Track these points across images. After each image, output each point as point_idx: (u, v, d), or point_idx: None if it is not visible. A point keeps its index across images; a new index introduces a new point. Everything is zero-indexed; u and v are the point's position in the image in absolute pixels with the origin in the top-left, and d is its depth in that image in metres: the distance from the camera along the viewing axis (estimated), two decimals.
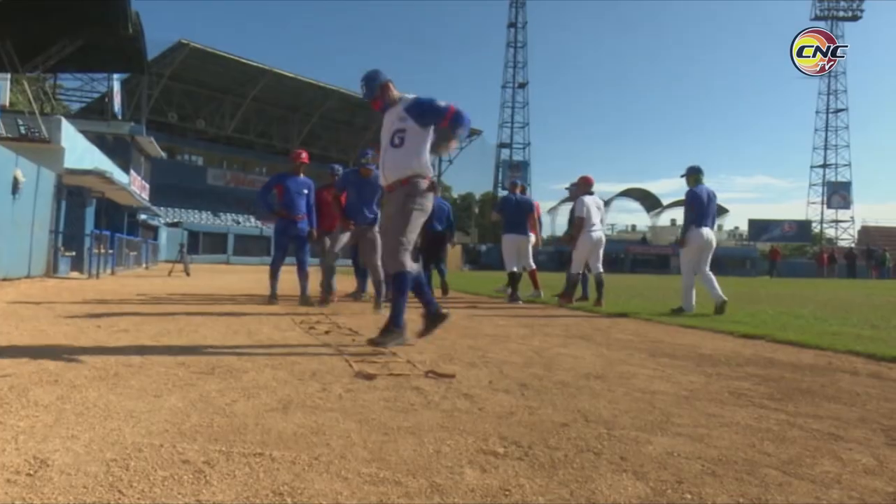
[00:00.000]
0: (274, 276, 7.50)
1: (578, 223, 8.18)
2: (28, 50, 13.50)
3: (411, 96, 4.05)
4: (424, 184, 3.96)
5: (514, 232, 9.18)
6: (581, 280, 8.72)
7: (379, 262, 5.32)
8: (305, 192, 7.53)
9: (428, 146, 3.99)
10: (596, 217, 8.28)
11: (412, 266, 3.92)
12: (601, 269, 8.24)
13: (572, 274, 8.32)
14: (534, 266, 9.58)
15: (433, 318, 4.06)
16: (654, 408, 2.47)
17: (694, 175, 7.36)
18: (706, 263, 7.22)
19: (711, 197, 7.27)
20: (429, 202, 4.01)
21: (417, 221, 3.95)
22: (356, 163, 6.93)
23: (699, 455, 1.86)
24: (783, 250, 56.77)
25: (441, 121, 3.93)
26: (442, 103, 3.92)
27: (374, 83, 4.08)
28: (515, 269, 9.19)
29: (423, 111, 3.92)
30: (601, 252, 8.32)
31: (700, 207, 7.16)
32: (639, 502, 1.51)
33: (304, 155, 7.68)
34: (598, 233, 8.27)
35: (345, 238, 6.80)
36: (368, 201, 6.59)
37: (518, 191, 9.59)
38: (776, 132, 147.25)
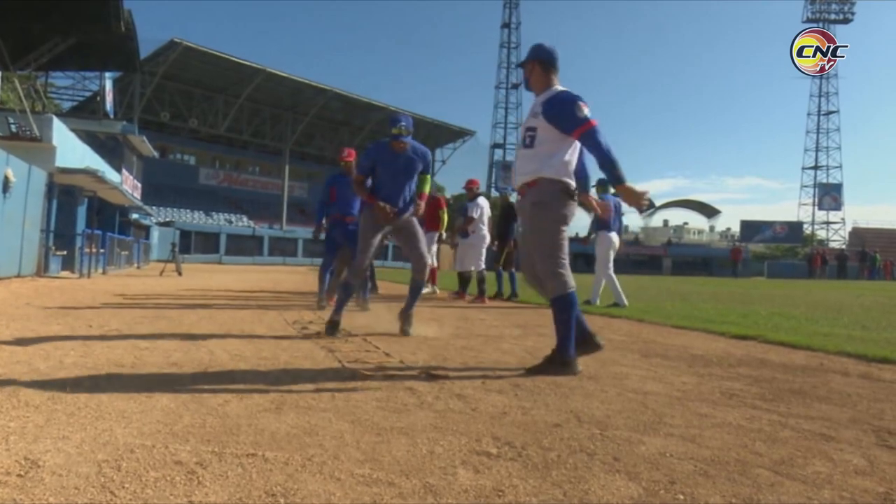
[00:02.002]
0: (322, 279, 7.44)
1: (468, 221, 9.25)
2: (19, 48, 13.39)
3: (557, 88, 3.36)
4: (556, 187, 3.29)
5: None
6: (499, 277, 9.71)
7: (425, 251, 4.78)
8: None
9: (570, 149, 3.30)
10: (485, 218, 9.44)
11: (574, 283, 3.31)
12: (483, 267, 9.35)
13: (469, 272, 9.44)
14: (474, 267, 9.53)
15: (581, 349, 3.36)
16: (647, 408, 2.48)
17: (604, 186, 7.97)
18: (611, 262, 8.26)
19: (617, 207, 8.26)
20: (565, 208, 3.32)
21: (556, 231, 3.30)
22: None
23: (691, 455, 1.87)
24: (775, 251, 57.11)
25: (572, 130, 3.21)
26: (583, 111, 3.17)
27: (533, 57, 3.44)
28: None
29: (556, 112, 3.25)
30: (483, 250, 9.42)
31: (613, 216, 8.09)
32: (632, 502, 1.51)
33: (350, 152, 7.30)
34: (486, 232, 9.40)
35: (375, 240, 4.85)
36: (403, 183, 4.80)
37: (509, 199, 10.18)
38: (767, 134, 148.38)
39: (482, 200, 9.54)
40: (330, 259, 7.51)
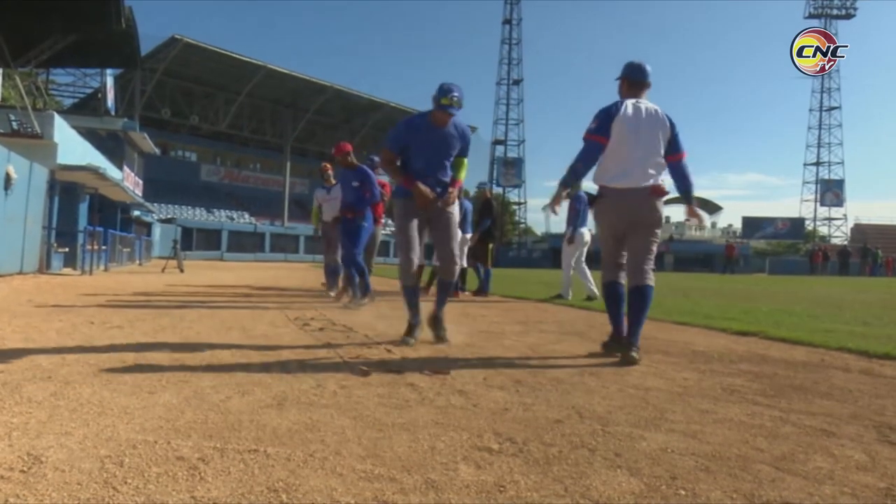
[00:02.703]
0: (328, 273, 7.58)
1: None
2: (20, 45, 13.40)
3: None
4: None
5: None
6: (475, 271, 9.79)
7: (456, 249, 4.19)
8: (355, 184, 6.78)
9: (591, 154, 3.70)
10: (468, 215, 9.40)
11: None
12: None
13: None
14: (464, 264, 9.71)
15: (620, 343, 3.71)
16: (648, 404, 2.48)
17: (577, 184, 8.20)
18: (584, 257, 8.71)
19: (587, 202, 8.36)
20: (597, 212, 3.82)
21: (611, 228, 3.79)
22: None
23: (693, 451, 1.87)
24: (777, 248, 57.03)
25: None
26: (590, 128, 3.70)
27: None
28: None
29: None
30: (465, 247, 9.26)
31: (584, 212, 8.45)
32: (633, 498, 1.51)
33: (340, 147, 7.01)
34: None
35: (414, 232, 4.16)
36: (440, 163, 4.11)
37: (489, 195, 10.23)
38: (768, 130, 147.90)
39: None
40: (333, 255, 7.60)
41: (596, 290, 8.13)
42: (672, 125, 3.70)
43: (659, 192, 3.66)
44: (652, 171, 3.62)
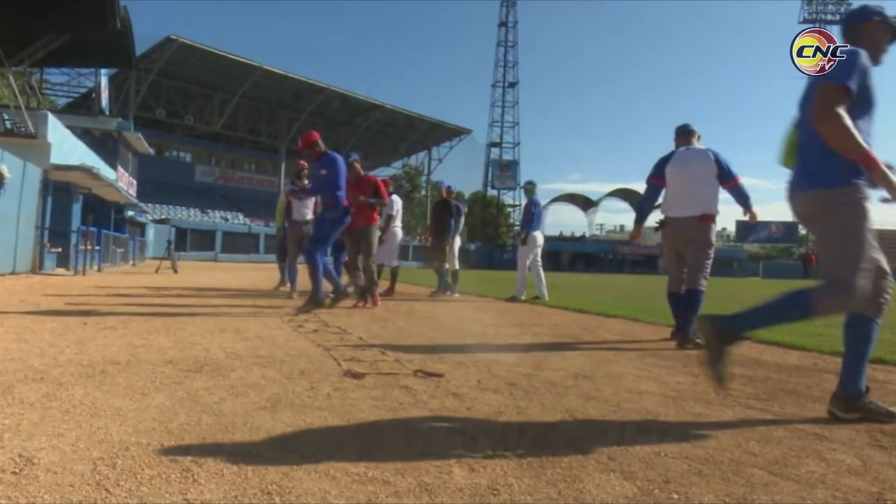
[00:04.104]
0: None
1: (388, 220, 9.05)
2: (14, 44, 13.36)
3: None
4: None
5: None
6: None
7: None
8: (323, 172, 6.23)
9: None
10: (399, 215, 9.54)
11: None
12: (396, 263, 9.72)
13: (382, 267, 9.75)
14: (385, 263, 9.70)
15: None
16: (642, 408, 2.49)
17: (532, 187, 9.40)
18: (539, 259, 9.17)
19: (540, 206, 9.33)
20: (663, 235, 4.84)
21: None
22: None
23: (686, 455, 1.88)
24: (771, 251, 57.24)
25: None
26: None
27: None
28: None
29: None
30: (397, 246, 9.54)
31: (539, 215, 9.06)
32: (626, 501, 1.52)
33: (307, 138, 6.32)
34: (399, 230, 9.46)
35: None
36: None
37: (445, 195, 10.15)
38: (761, 134, 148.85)
39: (395, 197, 9.38)
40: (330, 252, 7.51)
41: (546, 293, 8.94)
42: (717, 160, 4.60)
43: (707, 219, 4.56)
44: (701, 202, 4.57)
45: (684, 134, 4.91)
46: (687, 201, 4.60)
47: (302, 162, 8.52)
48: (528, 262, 9.04)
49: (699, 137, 4.90)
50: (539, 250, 9.16)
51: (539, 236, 9.15)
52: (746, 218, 4.93)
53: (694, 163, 4.65)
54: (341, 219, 6.20)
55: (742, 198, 4.75)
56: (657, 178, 4.82)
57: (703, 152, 4.69)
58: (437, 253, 9.78)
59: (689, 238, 4.59)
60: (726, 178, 4.62)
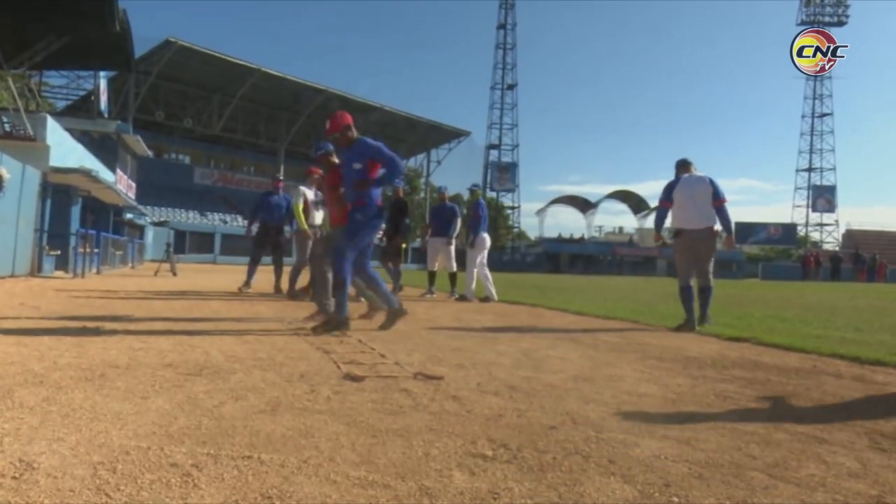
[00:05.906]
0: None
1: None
2: (13, 46, 13.32)
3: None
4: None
5: (437, 236, 10.04)
6: (387, 271, 10.23)
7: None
8: (357, 166, 4.87)
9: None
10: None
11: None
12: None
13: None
14: (454, 268, 10.04)
15: None
16: (642, 411, 2.49)
17: (478, 190, 10.19)
18: (485, 260, 9.43)
19: (486, 209, 9.71)
20: (677, 243, 6.05)
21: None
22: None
23: (686, 458, 1.88)
24: (769, 253, 57.25)
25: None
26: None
27: None
28: (434, 269, 10.30)
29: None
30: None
31: (485, 218, 9.45)
32: None
33: (337, 121, 5.01)
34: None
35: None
36: None
37: (443, 199, 10.36)
38: (761, 135, 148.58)
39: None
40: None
41: (494, 293, 9.15)
42: (712, 184, 5.88)
43: (715, 232, 5.96)
44: (707, 217, 5.87)
45: (684, 165, 6.20)
46: (697, 217, 5.85)
47: (314, 169, 7.74)
48: (476, 263, 9.26)
49: (695, 167, 6.19)
50: (486, 252, 9.44)
51: (486, 238, 9.48)
52: (724, 242, 6.29)
53: (697, 186, 5.91)
54: (375, 220, 5.03)
55: (725, 220, 5.99)
56: (666, 201, 6.08)
57: (703, 178, 5.97)
58: (391, 252, 10.08)
59: (699, 246, 5.90)
60: (716, 198, 5.86)
